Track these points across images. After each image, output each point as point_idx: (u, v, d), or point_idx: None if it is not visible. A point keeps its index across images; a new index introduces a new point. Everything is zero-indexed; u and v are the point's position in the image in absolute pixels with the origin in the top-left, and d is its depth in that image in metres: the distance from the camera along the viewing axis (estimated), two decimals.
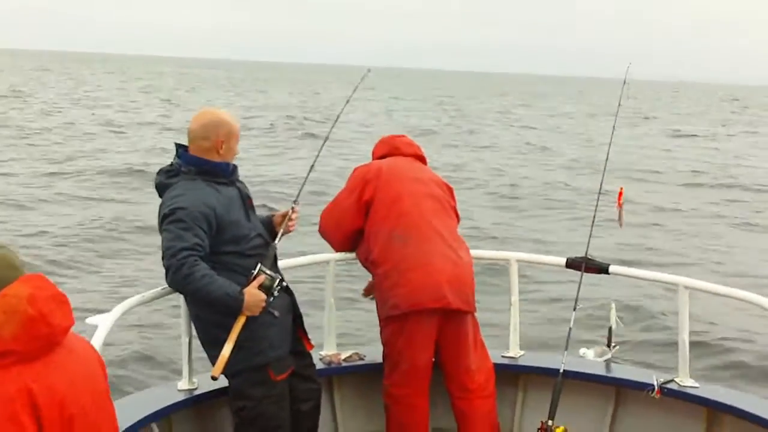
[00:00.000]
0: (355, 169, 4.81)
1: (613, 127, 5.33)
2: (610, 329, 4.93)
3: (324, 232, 4.81)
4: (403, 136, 5.09)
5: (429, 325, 4.43)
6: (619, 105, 5.34)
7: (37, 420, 2.23)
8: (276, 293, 3.92)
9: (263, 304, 3.87)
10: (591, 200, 5.90)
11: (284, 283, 4.03)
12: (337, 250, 4.78)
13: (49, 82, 73.38)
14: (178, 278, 3.75)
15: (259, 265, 3.93)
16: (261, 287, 3.87)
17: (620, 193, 4.84)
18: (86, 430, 2.38)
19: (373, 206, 4.58)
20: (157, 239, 3.97)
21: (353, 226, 4.64)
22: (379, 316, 4.58)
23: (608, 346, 4.95)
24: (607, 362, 4.94)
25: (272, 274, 3.93)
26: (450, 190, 4.87)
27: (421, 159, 4.93)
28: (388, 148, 4.90)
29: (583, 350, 4.95)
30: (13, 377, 2.21)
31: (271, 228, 4.27)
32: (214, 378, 3.82)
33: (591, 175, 23.85)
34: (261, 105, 52.70)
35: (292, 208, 4.29)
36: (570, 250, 5.45)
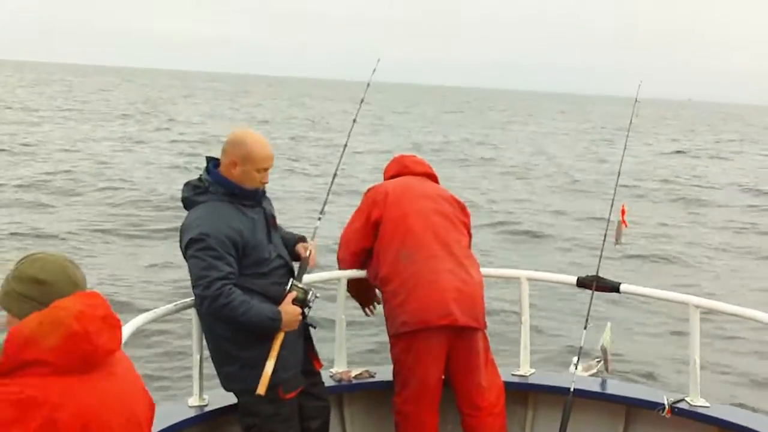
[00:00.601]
0: (368, 190, 4.86)
1: (625, 146, 5.33)
2: (604, 350, 4.87)
3: (338, 251, 4.87)
4: (413, 155, 5.14)
5: (438, 342, 4.43)
6: (630, 123, 5.33)
7: None
8: (312, 305, 4.03)
9: (300, 318, 3.97)
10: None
11: (318, 295, 4.08)
12: (341, 268, 4.83)
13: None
14: (215, 308, 3.80)
15: (291, 280, 4.03)
16: (295, 301, 3.96)
17: (623, 210, 4.83)
18: None
19: (382, 226, 4.61)
20: None
21: (360, 245, 4.69)
22: (388, 333, 4.59)
23: (606, 369, 4.91)
24: (618, 381, 4.92)
25: (304, 287, 4.02)
26: (462, 207, 4.87)
27: (432, 177, 4.95)
28: (399, 168, 4.94)
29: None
30: (40, 386, 2.22)
31: (292, 248, 4.30)
32: (260, 395, 3.85)
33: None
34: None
35: (307, 247, 4.29)
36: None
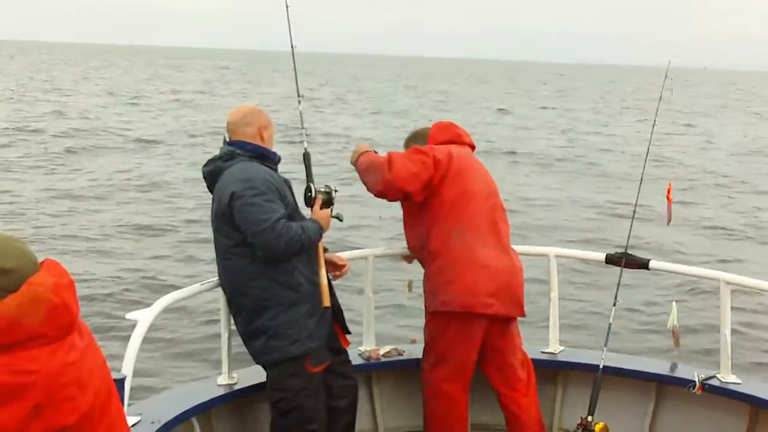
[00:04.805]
0: (421, 148, 4.50)
1: (654, 120, 5.23)
2: (673, 329, 4.81)
3: (380, 172, 4.43)
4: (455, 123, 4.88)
5: (479, 326, 4.41)
6: (660, 99, 5.22)
7: (48, 399, 2.30)
8: (335, 201, 4.31)
9: (330, 217, 4.27)
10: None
11: (336, 190, 4.35)
12: (376, 189, 4.47)
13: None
14: (285, 245, 3.91)
15: (311, 186, 4.28)
16: (322, 204, 4.24)
17: (669, 188, 4.77)
18: (100, 408, 2.46)
19: (439, 196, 4.42)
20: None
21: (407, 188, 4.37)
22: (426, 308, 4.54)
23: (675, 345, 4.85)
24: (648, 358, 4.89)
25: (324, 189, 4.29)
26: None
27: (473, 149, 4.80)
28: (450, 135, 4.70)
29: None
30: (29, 359, 2.29)
31: None
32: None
33: None
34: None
35: (344, 262, 4.44)
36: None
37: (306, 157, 4.44)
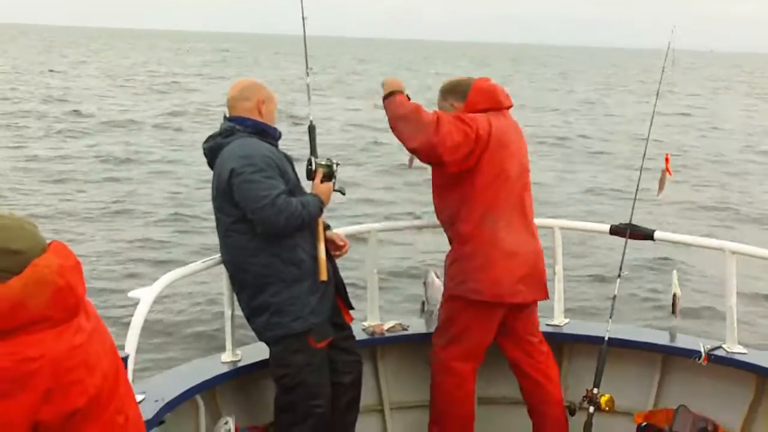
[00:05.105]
0: (465, 118, 4.21)
1: (656, 98, 5.12)
2: (674, 296, 4.77)
3: (418, 126, 4.15)
4: (496, 85, 4.51)
5: (501, 312, 4.39)
6: (663, 73, 5.09)
7: (57, 383, 2.28)
8: (336, 174, 4.24)
9: (332, 189, 4.21)
10: None
11: (339, 162, 4.29)
12: (405, 143, 4.22)
13: None
14: (285, 221, 3.88)
15: (311, 158, 4.22)
16: (323, 178, 4.18)
17: (667, 159, 4.71)
18: (108, 390, 2.45)
19: (474, 173, 4.23)
20: None
21: (445, 159, 4.13)
22: (448, 288, 4.46)
23: (673, 313, 4.82)
24: (653, 329, 4.86)
25: (324, 162, 4.22)
26: None
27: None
28: (491, 102, 4.37)
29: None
30: (35, 342, 2.27)
31: None
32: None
33: None
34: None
35: (344, 241, 4.38)
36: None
37: (311, 130, 4.38)
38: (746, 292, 9.40)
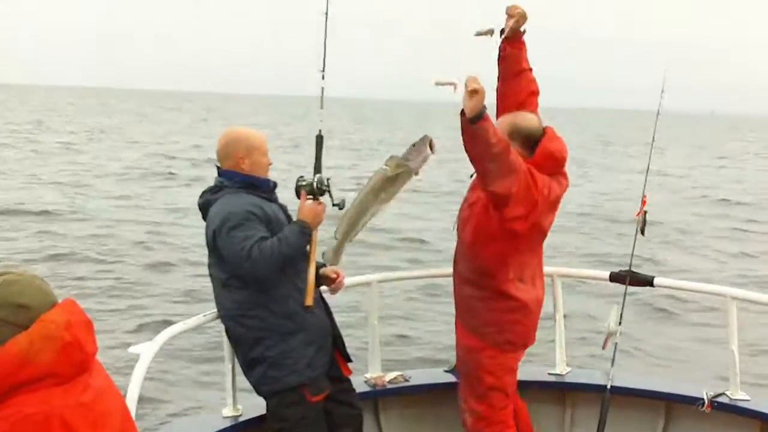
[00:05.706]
0: (536, 183, 4.01)
1: (650, 153, 5.13)
2: (609, 331, 4.70)
3: (504, 165, 3.82)
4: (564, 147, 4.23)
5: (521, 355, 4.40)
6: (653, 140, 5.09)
7: None
8: (327, 189, 4.08)
9: (321, 208, 4.06)
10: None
11: (328, 178, 4.12)
12: (483, 174, 3.89)
13: None
14: (263, 267, 3.83)
15: (296, 180, 4.10)
16: (307, 198, 4.05)
17: (643, 201, 4.72)
18: None
19: (533, 229, 4.13)
20: None
21: (515, 214, 3.98)
22: (482, 338, 4.28)
23: (603, 347, 4.77)
24: (656, 377, 4.85)
25: (308, 180, 4.07)
26: None
27: None
28: (557, 168, 4.18)
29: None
30: (40, 401, 2.25)
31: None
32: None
33: None
34: None
35: (338, 272, 4.31)
36: None
37: (318, 141, 4.23)
38: (748, 338, 9.35)
